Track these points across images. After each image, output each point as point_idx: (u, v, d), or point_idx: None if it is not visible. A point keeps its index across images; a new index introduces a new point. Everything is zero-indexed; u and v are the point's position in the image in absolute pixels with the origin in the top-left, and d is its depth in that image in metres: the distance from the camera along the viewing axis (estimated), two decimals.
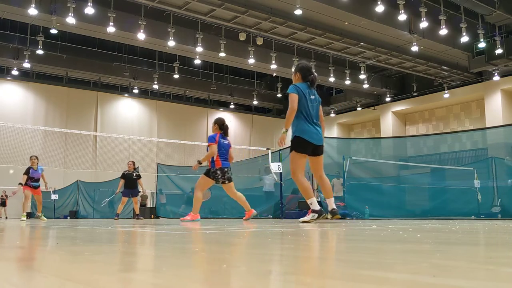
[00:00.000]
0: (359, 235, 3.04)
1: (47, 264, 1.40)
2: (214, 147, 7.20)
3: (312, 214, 5.35)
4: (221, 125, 7.52)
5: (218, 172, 7.23)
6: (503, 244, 2.13)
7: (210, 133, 7.89)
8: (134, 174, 12.46)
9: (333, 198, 5.65)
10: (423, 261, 1.31)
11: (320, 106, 5.51)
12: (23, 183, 10.65)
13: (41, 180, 10.99)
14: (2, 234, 3.78)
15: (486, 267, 1.21)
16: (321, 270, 1.20)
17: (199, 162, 7.39)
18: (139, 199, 13.18)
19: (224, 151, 7.35)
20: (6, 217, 18.42)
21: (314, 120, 5.31)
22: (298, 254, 1.67)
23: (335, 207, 5.55)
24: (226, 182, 7.38)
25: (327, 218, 5.49)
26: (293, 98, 5.19)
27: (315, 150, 5.34)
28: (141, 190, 12.59)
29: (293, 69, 5.65)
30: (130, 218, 15.66)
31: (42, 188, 11.31)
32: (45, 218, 11.38)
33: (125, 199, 12.31)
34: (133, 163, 12.79)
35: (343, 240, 2.50)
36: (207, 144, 7.46)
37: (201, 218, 7.65)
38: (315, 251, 1.84)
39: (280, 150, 12.55)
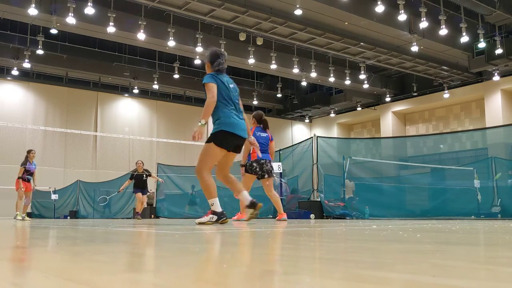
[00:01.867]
0: (359, 235, 3.04)
1: (47, 264, 1.40)
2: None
3: (211, 216, 4.93)
4: (259, 119, 7.37)
5: (254, 164, 6.99)
6: (503, 244, 2.13)
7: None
8: (144, 175, 12.40)
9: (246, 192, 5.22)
10: (423, 261, 1.31)
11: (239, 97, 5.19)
12: (20, 175, 10.71)
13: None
14: (2, 234, 3.78)
15: (486, 267, 1.21)
16: (321, 270, 1.20)
17: (242, 165, 7.12)
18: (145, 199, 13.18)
19: (260, 143, 6.94)
20: None
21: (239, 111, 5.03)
22: (298, 254, 1.67)
23: (253, 199, 5.13)
24: (266, 176, 7.08)
25: (226, 223, 4.99)
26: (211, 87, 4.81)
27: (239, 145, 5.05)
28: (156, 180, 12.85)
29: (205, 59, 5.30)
30: (130, 218, 15.66)
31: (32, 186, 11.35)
32: (28, 218, 11.40)
33: (139, 195, 12.19)
34: (142, 163, 12.68)
35: (343, 240, 2.50)
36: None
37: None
38: (315, 251, 1.85)
39: (280, 150, 12.55)
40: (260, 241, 2.51)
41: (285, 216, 7.36)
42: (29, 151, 11.09)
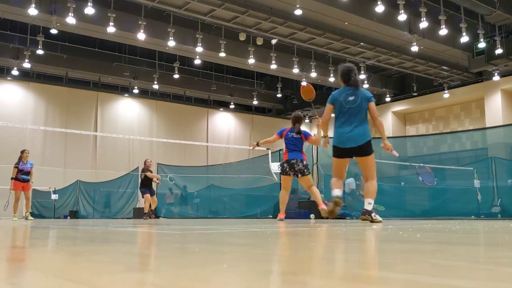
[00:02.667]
0: (359, 235, 3.04)
1: (47, 264, 1.40)
2: (274, 137, 7.38)
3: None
4: (293, 122, 7.41)
5: (285, 165, 7.16)
6: (503, 244, 2.13)
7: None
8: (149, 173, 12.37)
9: (371, 200, 5.25)
10: (423, 261, 1.31)
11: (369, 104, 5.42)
12: (13, 176, 10.70)
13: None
14: (3, 234, 3.78)
15: (486, 267, 1.21)
16: (321, 270, 1.20)
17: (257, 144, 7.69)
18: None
19: (292, 144, 7.20)
20: None
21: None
22: (298, 254, 1.67)
23: (367, 208, 5.18)
24: (299, 175, 7.17)
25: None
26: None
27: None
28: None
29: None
30: (130, 218, 15.66)
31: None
32: (32, 218, 11.38)
33: (147, 196, 12.07)
34: (151, 161, 12.64)
35: (343, 240, 2.50)
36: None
37: (200, 218, 7.65)
38: (315, 251, 1.85)
39: (280, 150, 12.55)
40: (260, 241, 2.51)
41: (323, 206, 7.15)
42: (22, 151, 11.09)
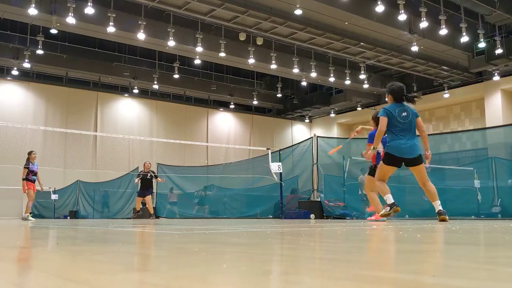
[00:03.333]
0: (359, 235, 3.04)
1: (47, 264, 1.40)
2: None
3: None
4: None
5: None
6: (503, 244, 2.13)
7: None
8: (149, 175, 12.52)
9: (438, 201, 5.77)
10: (423, 261, 1.31)
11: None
12: (24, 176, 10.73)
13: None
14: (3, 234, 3.78)
15: (486, 267, 1.21)
16: (321, 270, 1.20)
17: (373, 148, 6.86)
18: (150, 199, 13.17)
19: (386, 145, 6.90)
20: None
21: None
22: (298, 254, 1.67)
23: (441, 209, 5.70)
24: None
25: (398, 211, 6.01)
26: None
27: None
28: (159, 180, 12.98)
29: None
30: (130, 218, 15.65)
31: (37, 187, 11.35)
32: (33, 219, 11.40)
33: (139, 199, 12.34)
34: (150, 164, 12.88)
35: (343, 240, 2.50)
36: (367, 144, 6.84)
37: (200, 218, 7.63)
38: (315, 251, 1.84)
39: (280, 150, 12.56)
40: (260, 241, 2.51)
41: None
42: (30, 152, 11.13)
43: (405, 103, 6.11)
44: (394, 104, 6.02)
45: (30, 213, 11.50)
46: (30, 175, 10.80)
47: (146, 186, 12.42)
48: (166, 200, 16.76)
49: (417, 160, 5.87)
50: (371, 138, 6.72)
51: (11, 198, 19.42)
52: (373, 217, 7.05)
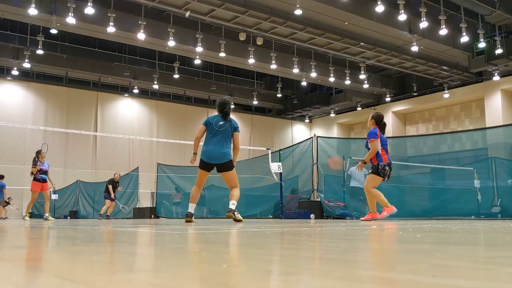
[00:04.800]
0: (359, 235, 3.04)
1: (47, 264, 1.40)
2: (377, 142, 6.80)
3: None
4: (379, 121, 7.06)
5: (387, 168, 6.82)
6: (503, 244, 2.13)
7: None
8: (117, 184, 14.79)
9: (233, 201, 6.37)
10: (423, 261, 1.31)
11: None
12: (33, 172, 10.66)
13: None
14: (3, 234, 3.78)
15: (486, 267, 1.21)
16: (321, 270, 1.20)
17: (364, 162, 6.98)
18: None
19: (385, 146, 6.95)
20: (6, 217, 18.40)
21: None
22: (298, 254, 1.67)
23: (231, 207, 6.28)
24: (387, 179, 6.95)
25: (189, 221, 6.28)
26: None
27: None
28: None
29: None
30: (130, 218, 15.66)
31: (49, 186, 11.35)
32: (52, 218, 11.39)
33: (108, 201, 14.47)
34: (119, 175, 15.13)
35: (343, 240, 2.50)
36: (368, 140, 6.91)
37: (200, 218, 7.62)
38: (315, 251, 1.84)
39: (280, 150, 12.55)
40: (260, 241, 2.51)
41: (376, 216, 6.95)
42: (38, 152, 11.09)
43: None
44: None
45: (29, 213, 11.47)
46: (38, 174, 10.72)
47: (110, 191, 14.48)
48: (168, 200, 16.75)
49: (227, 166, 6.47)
50: (370, 136, 6.87)
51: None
52: (368, 216, 7.04)
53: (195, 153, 6.69)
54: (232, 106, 7.06)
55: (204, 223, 6.62)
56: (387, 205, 6.77)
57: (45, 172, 10.91)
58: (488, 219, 8.06)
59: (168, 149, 23.13)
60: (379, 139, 6.84)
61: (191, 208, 6.44)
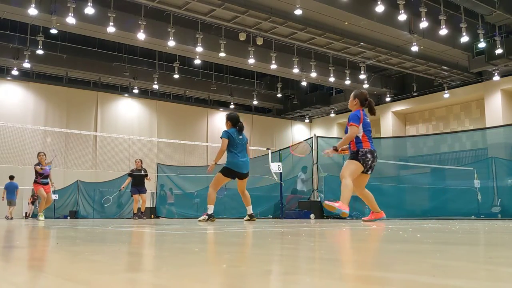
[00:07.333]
0: (359, 235, 3.04)
1: (47, 264, 1.40)
2: (356, 128, 5.75)
3: (204, 216, 7.27)
4: (363, 100, 6.02)
5: (369, 155, 5.73)
6: (503, 244, 2.13)
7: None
8: (143, 171, 12.57)
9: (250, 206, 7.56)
10: (423, 261, 1.31)
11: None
12: (39, 171, 10.65)
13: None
14: (3, 234, 3.78)
15: (486, 267, 1.21)
16: (321, 270, 1.20)
17: (335, 149, 6.01)
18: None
19: (368, 132, 5.90)
20: (12, 217, 18.37)
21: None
22: (298, 254, 1.67)
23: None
24: (370, 172, 5.86)
25: (213, 221, 7.14)
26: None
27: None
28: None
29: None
30: (130, 218, 15.64)
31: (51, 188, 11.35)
32: (43, 218, 11.32)
33: (136, 196, 12.34)
34: (141, 161, 12.91)
35: (343, 240, 2.50)
36: (348, 124, 5.89)
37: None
38: (315, 251, 1.84)
39: (280, 150, 12.55)
40: (260, 241, 2.51)
41: (381, 216, 6.10)
42: (38, 154, 11.06)
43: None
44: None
45: (41, 212, 11.41)
46: (39, 178, 10.69)
47: (141, 182, 12.42)
48: (166, 201, 16.77)
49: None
50: (352, 119, 5.87)
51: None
52: (336, 204, 5.80)
53: (216, 163, 7.41)
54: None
55: (204, 223, 6.63)
56: (347, 204, 5.58)
57: (46, 177, 10.90)
58: (488, 219, 8.06)
59: (168, 149, 23.13)
60: (361, 124, 5.81)
61: (212, 209, 7.44)
